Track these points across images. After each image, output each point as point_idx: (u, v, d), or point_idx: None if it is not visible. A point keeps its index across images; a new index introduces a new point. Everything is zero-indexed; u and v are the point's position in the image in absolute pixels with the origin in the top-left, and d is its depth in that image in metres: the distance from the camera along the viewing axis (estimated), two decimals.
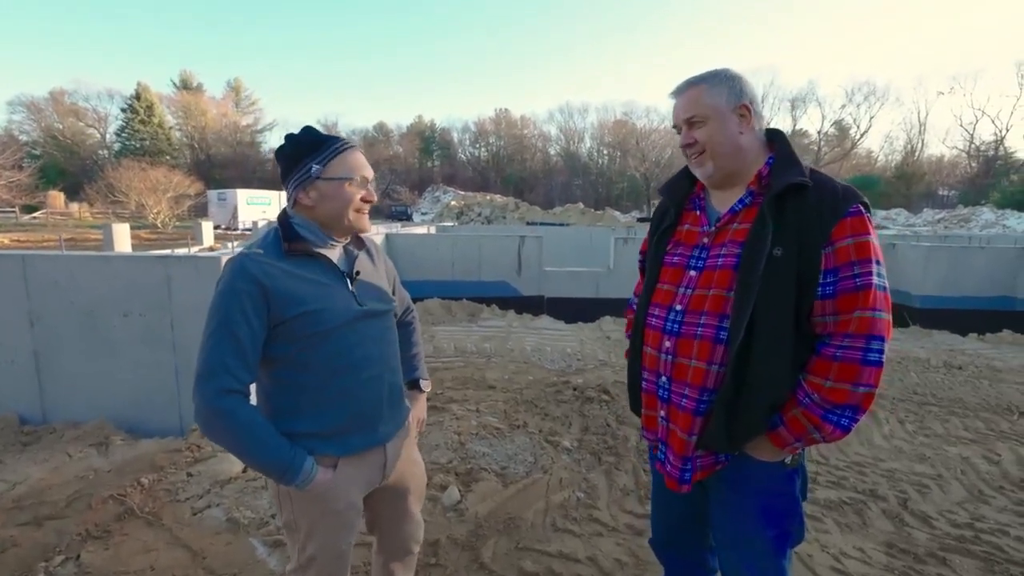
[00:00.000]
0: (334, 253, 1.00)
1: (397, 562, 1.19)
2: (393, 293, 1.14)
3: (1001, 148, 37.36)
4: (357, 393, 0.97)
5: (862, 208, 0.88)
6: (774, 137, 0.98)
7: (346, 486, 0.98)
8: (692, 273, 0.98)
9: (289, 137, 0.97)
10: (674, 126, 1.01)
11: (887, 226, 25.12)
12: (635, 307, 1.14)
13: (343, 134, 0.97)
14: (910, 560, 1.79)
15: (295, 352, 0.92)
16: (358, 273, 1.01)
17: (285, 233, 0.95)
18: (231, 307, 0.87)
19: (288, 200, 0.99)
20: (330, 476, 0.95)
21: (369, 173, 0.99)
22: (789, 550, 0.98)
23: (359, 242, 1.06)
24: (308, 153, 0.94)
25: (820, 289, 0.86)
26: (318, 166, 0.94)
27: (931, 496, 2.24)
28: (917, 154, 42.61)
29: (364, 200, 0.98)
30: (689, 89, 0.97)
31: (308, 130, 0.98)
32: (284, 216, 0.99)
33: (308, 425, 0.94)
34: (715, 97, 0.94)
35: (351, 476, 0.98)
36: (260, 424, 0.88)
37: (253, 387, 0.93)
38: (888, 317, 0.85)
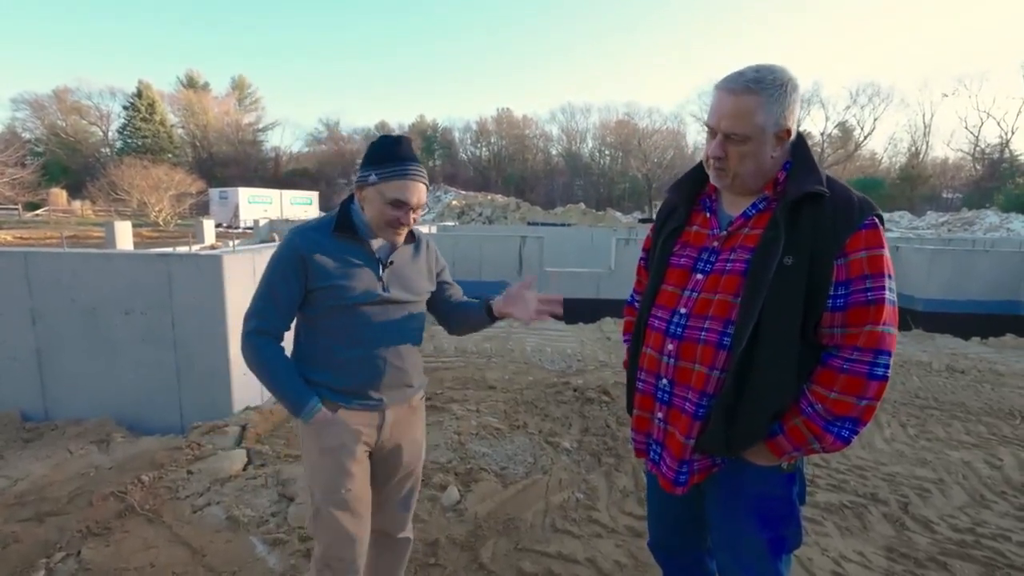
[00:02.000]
0: (378, 241, 1.13)
1: (380, 550, 1.25)
2: (439, 285, 1.25)
3: (1006, 151, 37.15)
4: (362, 365, 1.10)
5: (877, 221, 0.86)
6: (795, 141, 0.93)
7: (342, 428, 1.11)
8: (699, 276, 0.96)
9: (383, 138, 1.10)
10: (707, 124, 0.92)
11: (890, 229, 24.95)
12: (636, 305, 1.13)
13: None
14: (911, 564, 1.78)
15: (318, 317, 1.10)
16: (392, 263, 1.13)
17: (341, 215, 1.11)
18: (275, 269, 1.07)
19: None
20: (331, 416, 1.10)
21: (416, 202, 1.08)
22: (786, 555, 0.98)
23: (410, 236, 1.16)
24: (377, 162, 1.07)
25: (830, 301, 0.84)
26: (376, 177, 1.07)
27: (932, 500, 2.23)
28: (921, 156, 42.36)
29: (399, 222, 1.08)
30: (745, 95, 0.86)
31: (398, 141, 1.09)
32: (348, 200, 1.14)
33: (318, 376, 1.11)
34: (766, 116, 0.86)
35: (348, 423, 1.12)
36: (281, 362, 1.08)
37: (291, 334, 1.12)
38: (896, 332, 0.85)
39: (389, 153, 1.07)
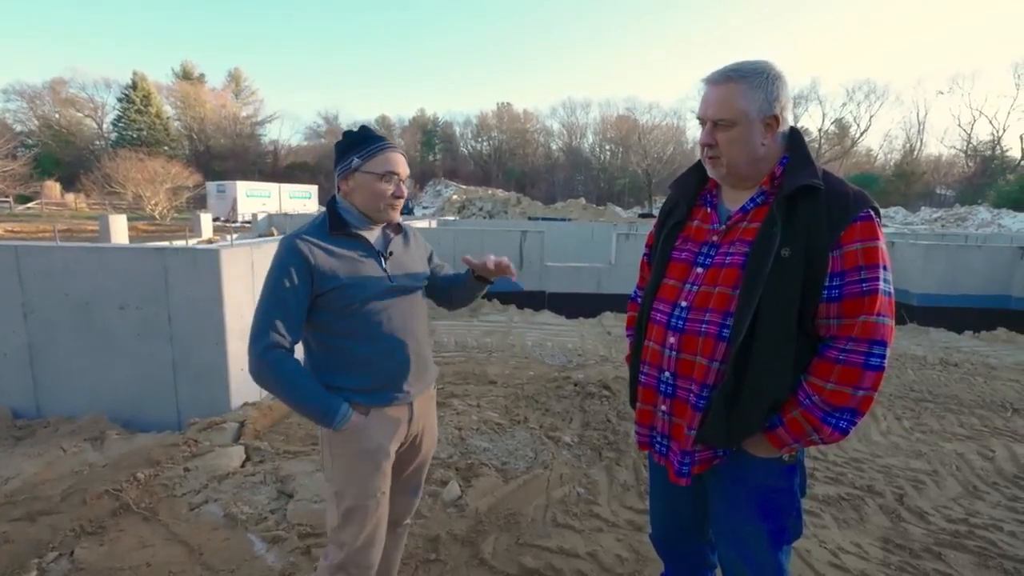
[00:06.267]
0: (372, 234, 1.15)
1: (389, 539, 1.25)
2: (430, 267, 1.28)
3: (998, 148, 37.43)
4: (383, 359, 1.10)
5: (872, 213, 0.88)
6: (792, 136, 0.96)
7: (377, 429, 1.11)
8: (699, 270, 0.97)
9: (346, 133, 1.13)
10: (699, 117, 0.97)
11: (886, 224, 25.18)
12: (639, 301, 1.14)
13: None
14: (906, 555, 1.80)
15: (331, 320, 1.07)
16: (391, 253, 1.15)
17: (331, 216, 1.11)
18: (281, 277, 1.03)
19: (336, 187, 1.15)
20: (363, 419, 1.09)
21: (403, 172, 1.11)
22: (786, 545, 0.99)
23: (397, 227, 1.20)
24: (353, 147, 1.10)
25: (825, 292, 0.86)
26: (358, 160, 1.09)
27: (927, 492, 2.26)
28: (916, 153, 42.65)
29: (394, 196, 1.10)
30: (727, 83, 0.91)
31: (362, 128, 1.13)
32: (332, 201, 1.14)
33: (342, 382, 1.09)
34: (749, 102, 0.90)
35: (381, 423, 1.11)
36: (302, 374, 1.04)
37: (300, 345, 1.09)
38: (891, 323, 0.86)
39: (360, 137, 1.10)
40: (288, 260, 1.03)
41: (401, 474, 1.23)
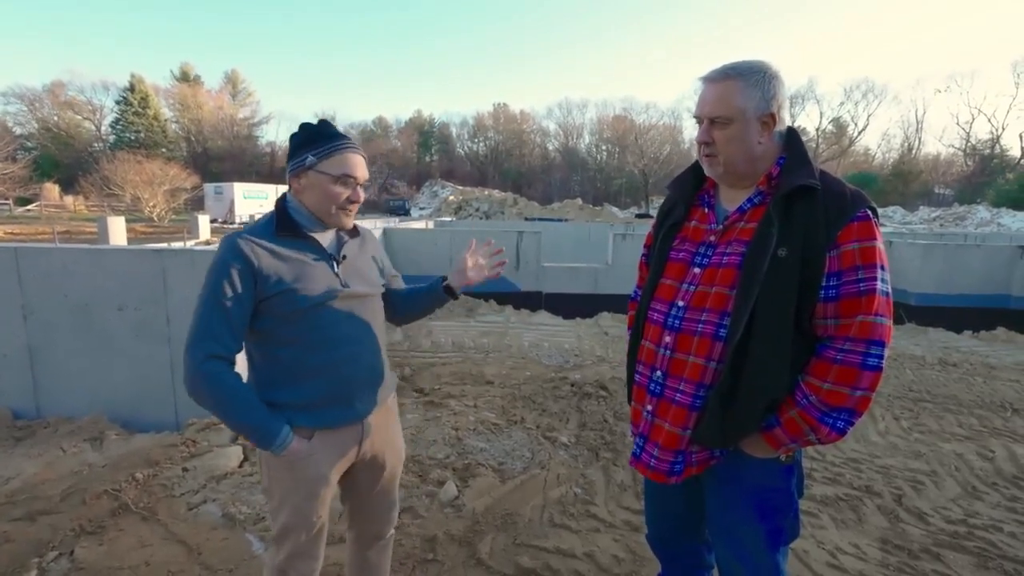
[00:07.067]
0: (324, 237, 1.05)
1: (369, 549, 1.22)
2: (383, 277, 1.19)
3: (997, 146, 37.54)
4: (333, 370, 1.01)
5: (870, 213, 0.88)
6: (789, 136, 0.96)
7: (319, 457, 1.02)
8: (696, 270, 0.97)
9: (302, 126, 1.03)
10: (696, 115, 0.97)
11: (884, 224, 25.24)
12: (638, 300, 1.14)
13: (341, 128, 1.07)
14: (904, 556, 1.80)
15: (276, 327, 0.98)
16: (344, 257, 1.05)
17: (279, 215, 1.02)
18: (220, 281, 0.93)
19: (287, 183, 1.05)
20: (305, 445, 1.00)
21: (360, 175, 1.02)
22: (783, 546, 0.99)
23: (352, 230, 1.11)
24: (309, 143, 1.00)
25: (823, 292, 0.86)
26: (313, 158, 0.99)
27: (926, 492, 2.25)
28: (914, 152, 42.78)
29: (349, 200, 1.01)
30: (724, 81, 0.91)
31: (321, 123, 1.03)
32: (281, 199, 1.05)
33: (287, 396, 0.99)
34: (746, 99, 0.90)
35: (325, 448, 1.03)
36: (242, 389, 0.94)
37: (241, 356, 0.99)
38: (889, 323, 0.86)
39: (318, 133, 1.00)
40: (229, 261, 0.92)
41: (369, 494, 1.15)
